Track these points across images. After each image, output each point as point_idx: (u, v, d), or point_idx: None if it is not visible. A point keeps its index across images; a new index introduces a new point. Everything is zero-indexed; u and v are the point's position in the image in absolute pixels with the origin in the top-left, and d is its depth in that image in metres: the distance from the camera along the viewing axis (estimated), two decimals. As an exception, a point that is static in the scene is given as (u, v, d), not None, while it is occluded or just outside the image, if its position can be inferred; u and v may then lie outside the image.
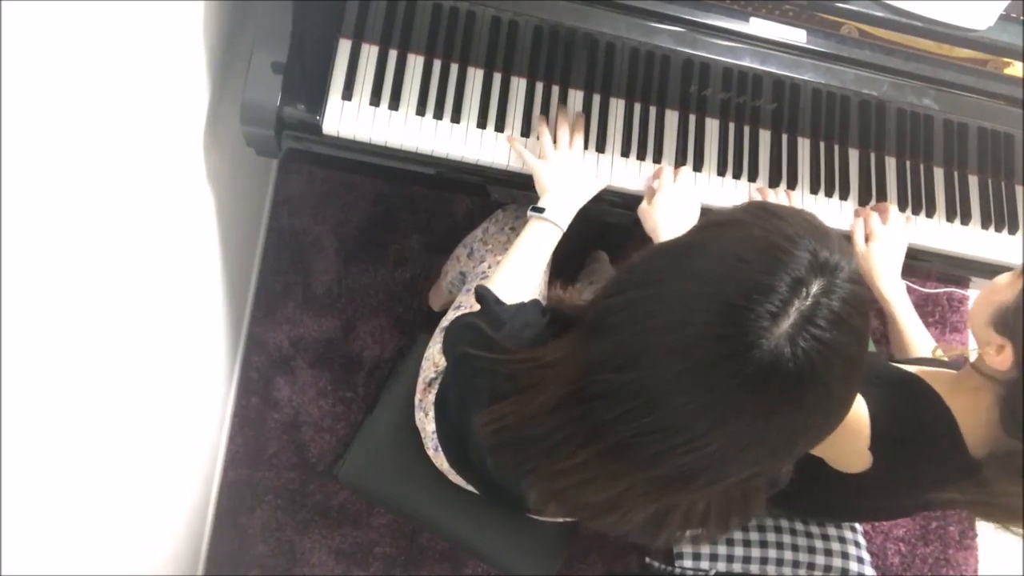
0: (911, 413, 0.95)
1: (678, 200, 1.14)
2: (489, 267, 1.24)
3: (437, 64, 1.17)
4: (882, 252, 1.21)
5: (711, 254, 0.64)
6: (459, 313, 1.14)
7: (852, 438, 0.94)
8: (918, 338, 1.20)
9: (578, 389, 0.67)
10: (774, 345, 0.57)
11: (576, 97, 1.21)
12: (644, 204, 1.17)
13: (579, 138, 1.16)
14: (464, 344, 0.84)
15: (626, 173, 1.20)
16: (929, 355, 1.17)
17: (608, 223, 1.23)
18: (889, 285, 1.21)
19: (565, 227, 1.10)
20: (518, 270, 1.06)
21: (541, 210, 1.08)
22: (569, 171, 1.12)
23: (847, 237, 1.24)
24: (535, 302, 0.91)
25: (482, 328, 0.83)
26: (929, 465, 0.95)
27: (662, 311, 0.62)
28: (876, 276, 1.21)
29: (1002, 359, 0.85)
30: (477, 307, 0.95)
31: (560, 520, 1.22)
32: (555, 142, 1.15)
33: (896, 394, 0.96)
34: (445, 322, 1.16)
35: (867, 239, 1.23)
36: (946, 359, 1.07)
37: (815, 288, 0.59)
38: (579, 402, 0.67)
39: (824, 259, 0.60)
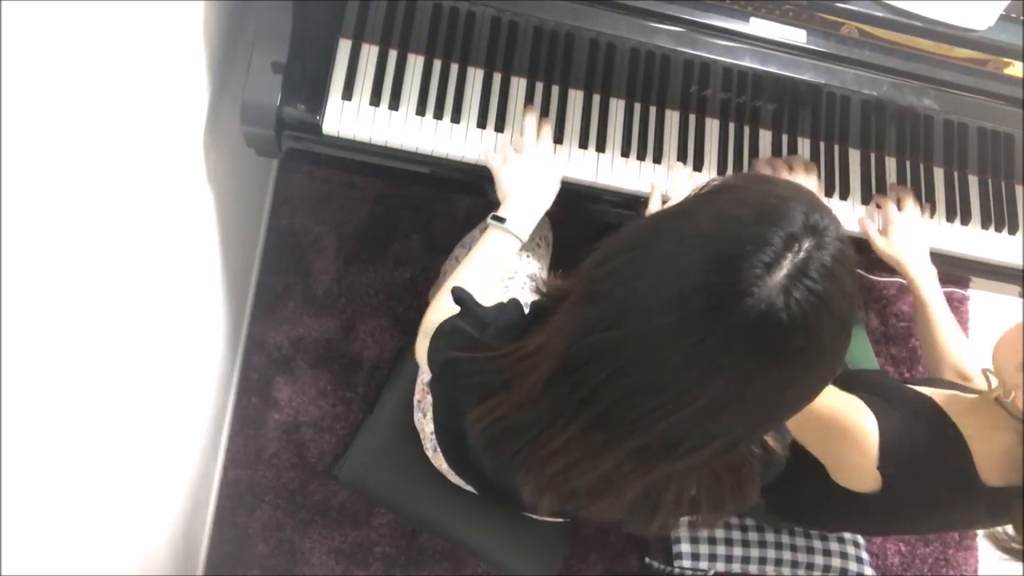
0: (923, 438, 0.93)
1: None
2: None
3: (437, 64, 1.17)
4: (904, 237, 1.19)
5: (705, 214, 0.64)
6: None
7: (859, 454, 0.93)
8: (948, 329, 1.16)
9: (567, 360, 0.67)
10: (767, 295, 0.57)
11: (576, 97, 1.20)
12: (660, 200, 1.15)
13: (547, 131, 1.13)
14: (452, 348, 0.83)
15: (626, 173, 1.19)
16: (953, 349, 1.14)
17: (608, 223, 1.23)
18: (918, 268, 1.18)
19: (526, 238, 1.05)
20: (476, 278, 1.01)
21: (502, 220, 1.04)
22: (529, 175, 1.08)
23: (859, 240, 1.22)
24: (515, 302, 0.90)
25: (466, 330, 0.83)
26: (937, 491, 0.94)
27: (653, 269, 0.62)
28: (904, 260, 1.18)
29: None
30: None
31: (559, 520, 1.22)
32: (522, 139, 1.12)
33: (909, 418, 0.95)
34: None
35: (884, 229, 1.21)
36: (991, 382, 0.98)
37: (807, 244, 0.60)
38: (567, 374, 0.67)
39: (815, 221, 0.61)
